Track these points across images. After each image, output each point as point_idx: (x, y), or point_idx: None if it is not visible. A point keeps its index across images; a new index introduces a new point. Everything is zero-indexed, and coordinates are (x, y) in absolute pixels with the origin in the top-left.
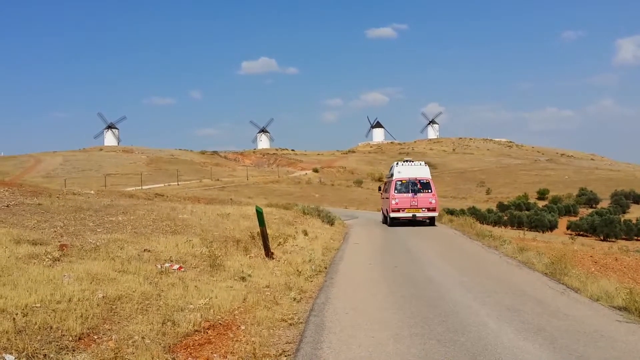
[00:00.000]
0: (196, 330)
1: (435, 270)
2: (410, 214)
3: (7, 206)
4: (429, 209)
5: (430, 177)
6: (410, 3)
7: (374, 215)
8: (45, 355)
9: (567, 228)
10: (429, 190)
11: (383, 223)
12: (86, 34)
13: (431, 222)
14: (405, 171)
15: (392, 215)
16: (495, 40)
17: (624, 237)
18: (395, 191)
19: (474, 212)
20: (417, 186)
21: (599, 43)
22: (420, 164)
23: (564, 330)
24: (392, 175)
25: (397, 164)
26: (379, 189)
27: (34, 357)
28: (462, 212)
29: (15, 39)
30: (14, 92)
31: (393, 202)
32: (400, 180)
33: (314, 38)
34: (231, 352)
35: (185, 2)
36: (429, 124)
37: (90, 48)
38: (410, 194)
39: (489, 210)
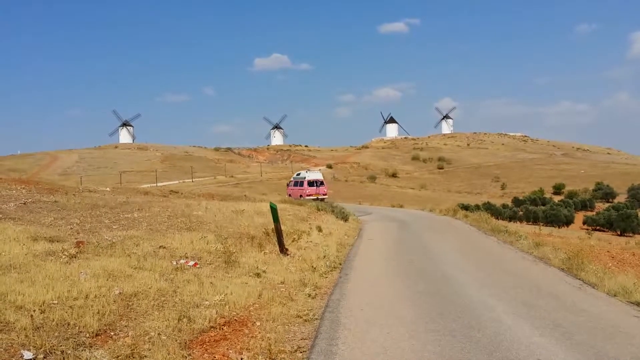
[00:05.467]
0: (212, 327)
1: (450, 266)
2: (315, 197)
3: (25, 204)
4: (324, 194)
5: (323, 178)
6: None
7: (389, 212)
8: (62, 352)
9: (584, 223)
10: (323, 185)
11: (292, 199)
12: (100, 32)
13: (322, 200)
14: (311, 175)
15: (306, 197)
16: (509, 34)
17: None
18: (307, 185)
19: (489, 208)
20: (318, 183)
21: (613, 36)
22: (318, 171)
23: (581, 326)
24: (304, 177)
25: (307, 171)
26: (287, 184)
27: (51, 353)
28: (477, 207)
29: (30, 37)
30: (30, 91)
31: (307, 191)
32: (309, 180)
33: (326, 34)
34: (247, 348)
35: (197, 0)
36: (443, 118)
37: (105, 46)
38: (314, 187)
39: (504, 206)
